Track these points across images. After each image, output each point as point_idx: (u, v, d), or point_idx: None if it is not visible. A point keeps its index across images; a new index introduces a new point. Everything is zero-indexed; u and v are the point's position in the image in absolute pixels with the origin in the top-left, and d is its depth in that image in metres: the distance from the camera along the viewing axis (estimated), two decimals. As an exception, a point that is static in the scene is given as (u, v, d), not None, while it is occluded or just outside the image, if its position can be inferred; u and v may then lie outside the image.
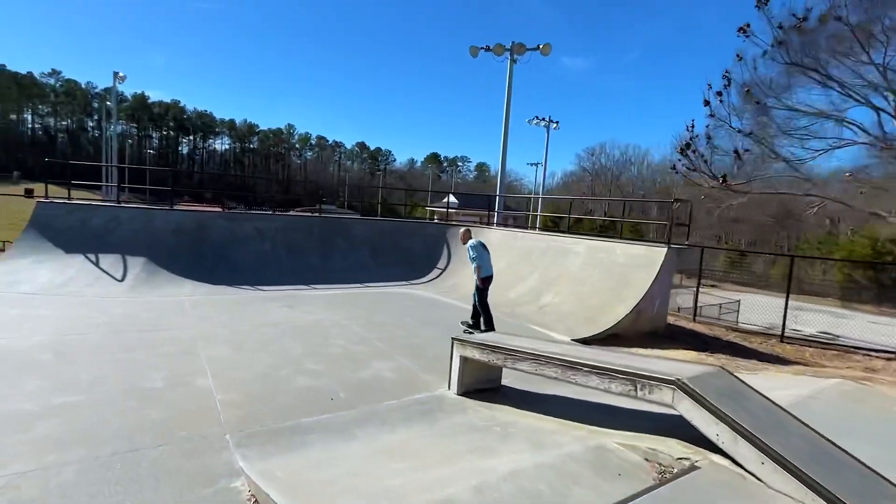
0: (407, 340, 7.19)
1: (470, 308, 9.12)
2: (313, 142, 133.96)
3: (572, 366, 3.90)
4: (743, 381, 3.40)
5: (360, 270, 12.36)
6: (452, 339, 5.22)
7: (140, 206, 12.79)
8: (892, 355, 10.22)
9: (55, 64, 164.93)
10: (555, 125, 40.74)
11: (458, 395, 5.10)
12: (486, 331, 7.52)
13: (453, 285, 12.17)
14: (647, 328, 9.18)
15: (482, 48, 21.56)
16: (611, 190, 75.91)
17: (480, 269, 8.02)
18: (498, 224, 18.88)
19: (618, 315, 8.71)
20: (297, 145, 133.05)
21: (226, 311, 8.26)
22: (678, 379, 3.16)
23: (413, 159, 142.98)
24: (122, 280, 9.58)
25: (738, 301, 21.85)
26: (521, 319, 9.10)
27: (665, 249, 9.28)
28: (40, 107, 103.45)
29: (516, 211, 41.58)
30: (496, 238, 13.27)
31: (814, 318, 18.76)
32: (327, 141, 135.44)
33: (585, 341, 7.99)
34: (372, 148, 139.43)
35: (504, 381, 5.40)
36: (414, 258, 13.40)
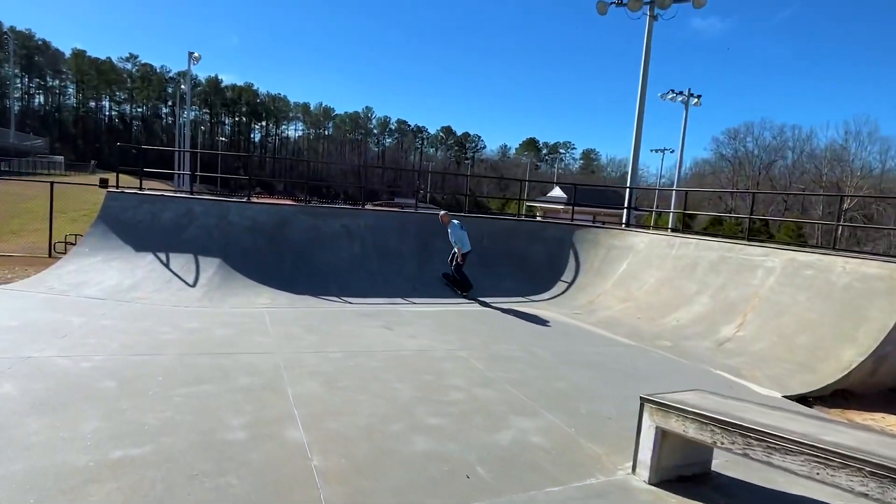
0: (547, 385, 6.21)
1: (615, 336, 8.52)
2: (393, 126, 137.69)
3: (905, 480, 2.65)
4: None
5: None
6: (644, 399, 4.15)
7: (213, 197, 13.00)
8: None
9: (132, 48, 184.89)
10: (695, 100, 37.77)
11: (650, 484, 4.04)
12: (463, 290, 11.01)
13: (587, 305, 11.03)
14: (891, 382, 7.41)
15: (612, 2, 20.09)
16: (759, 182, 69.77)
17: (462, 247, 10.80)
18: (632, 224, 17.32)
19: (846, 362, 7.07)
20: (374, 130, 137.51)
21: (312, 330, 7.80)
22: None
23: (506, 146, 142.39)
24: (193, 285, 9.54)
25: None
26: (694, 359, 7.76)
27: (920, 268, 7.45)
28: (117, 93, 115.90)
29: (641, 208, 39.15)
30: (642, 244, 11.94)
31: None
32: (408, 125, 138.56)
33: (804, 400, 6.51)
34: (459, 133, 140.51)
35: (714, 464, 4.28)
36: (533, 268, 12.49)
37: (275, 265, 10.66)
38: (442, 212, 11.81)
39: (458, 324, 8.99)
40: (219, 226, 11.00)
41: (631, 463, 4.25)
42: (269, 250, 10.94)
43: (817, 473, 3.04)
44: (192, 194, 12.53)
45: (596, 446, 4.70)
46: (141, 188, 12.11)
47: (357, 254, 11.53)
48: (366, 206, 14.55)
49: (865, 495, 2.86)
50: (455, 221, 11.14)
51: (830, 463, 2.97)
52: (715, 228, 42.65)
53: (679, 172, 40.76)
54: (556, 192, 49.58)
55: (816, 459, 3.05)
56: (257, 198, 21.74)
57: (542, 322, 9.63)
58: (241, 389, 5.31)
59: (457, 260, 10.86)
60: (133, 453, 3.93)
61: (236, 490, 3.57)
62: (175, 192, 19.50)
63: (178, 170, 37.27)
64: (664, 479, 4.06)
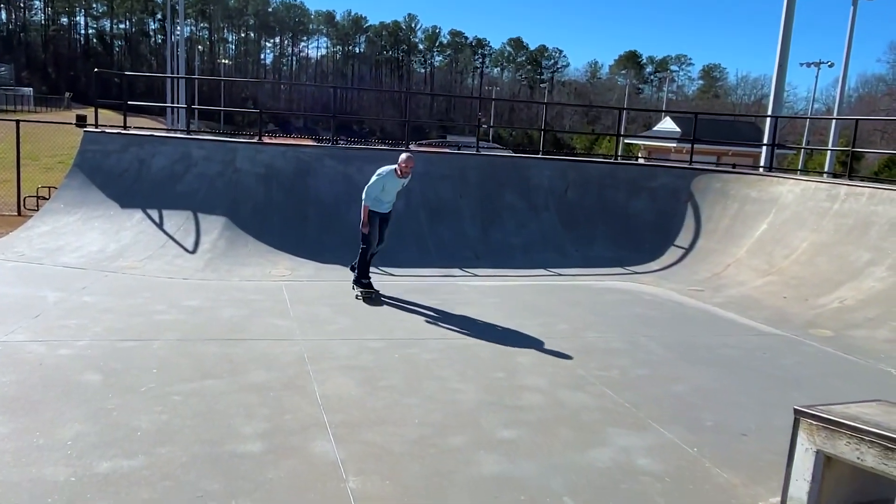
0: (659, 388, 6.08)
1: (752, 323, 8.68)
2: (445, 40, 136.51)
3: None
4: None
5: (545, 247, 11.65)
6: (798, 412, 3.95)
7: (216, 137, 13.27)
8: None
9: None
10: (868, -8, 35.30)
11: (808, 529, 3.85)
12: (363, 288, 8.77)
13: (711, 279, 10.76)
14: None
15: None
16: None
17: (369, 205, 8.67)
18: (774, 168, 16.57)
19: None
20: (420, 46, 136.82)
21: (344, 311, 7.94)
22: None
23: (596, 63, 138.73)
24: (193, 251, 9.83)
25: None
26: (867, 356, 7.40)
27: None
28: (94, 4, 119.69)
29: (787, 146, 37.47)
30: (791, 195, 11.48)
31: None
32: (465, 38, 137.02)
33: None
34: (532, 47, 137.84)
35: None
36: (635, 229, 12.29)
37: (296, 226, 10.82)
38: (406, 154, 8.78)
39: (536, 303, 8.94)
40: (223, 174, 11.23)
41: (779, 499, 4.09)
42: (287, 206, 11.12)
43: None
44: (188, 134, 12.81)
45: (728, 473, 4.55)
46: (126, 127, 12.47)
47: (400, 210, 11.49)
48: (410, 147, 14.51)
49: None
50: (389, 167, 8.58)
51: None
52: (891, 172, 40.44)
53: (841, 94, 38.47)
54: (667, 124, 47.99)
55: None
56: (270, 137, 22.15)
57: (649, 303, 9.44)
58: (255, 387, 5.44)
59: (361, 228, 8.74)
60: (123, 466, 4.07)
61: (252, 520, 3.64)
62: (168, 131, 20.04)
63: (172, 102, 38.37)
64: (829, 523, 3.88)
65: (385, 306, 8.28)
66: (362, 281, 8.62)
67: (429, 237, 11.14)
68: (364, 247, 8.57)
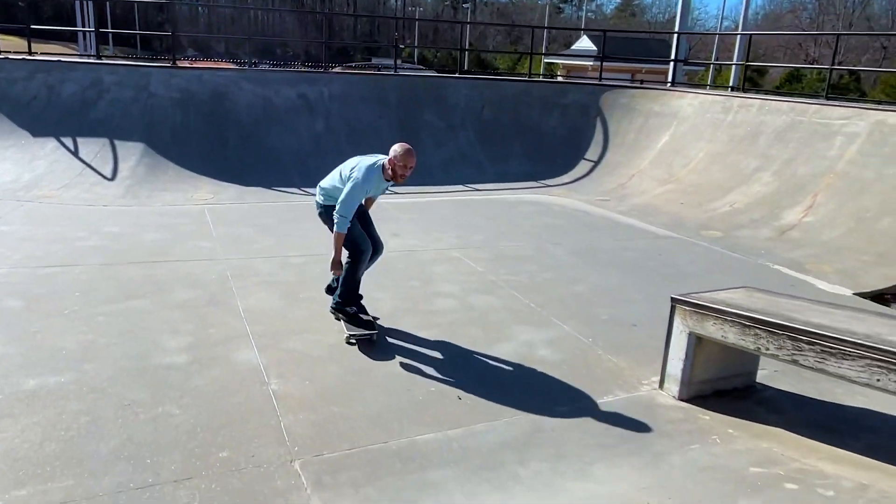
0: (563, 289, 6.40)
1: (652, 227, 8.76)
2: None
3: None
4: None
5: (463, 164, 11.68)
6: (674, 300, 4.29)
7: (129, 62, 12.64)
8: None
9: None
10: None
11: (680, 399, 4.27)
12: (354, 322, 5.06)
13: (617, 189, 11.12)
14: None
15: None
16: (851, 24, 67.39)
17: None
18: (678, 84, 16.97)
19: (938, 250, 7.23)
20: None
21: (267, 231, 7.92)
22: None
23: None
24: (112, 179, 9.54)
25: None
26: (749, 252, 7.93)
27: None
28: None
29: (698, 62, 38.10)
30: (690, 108, 11.82)
31: None
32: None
33: (881, 298, 6.72)
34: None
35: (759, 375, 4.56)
36: (548, 145, 12.44)
37: (216, 150, 10.57)
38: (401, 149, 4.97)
39: (453, 218, 9.08)
40: (138, 100, 10.78)
41: (658, 377, 4.47)
42: (206, 131, 10.80)
43: (878, 380, 3.21)
44: (99, 59, 12.15)
45: (618, 359, 4.91)
46: (31, 53, 11.73)
47: (321, 132, 11.37)
48: (335, 70, 14.18)
49: (933, 403, 3.02)
50: (370, 163, 5.04)
51: (892, 364, 3.12)
52: (792, 87, 41.73)
53: (745, 12, 39.14)
54: (584, 42, 47.71)
55: (879, 364, 3.20)
56: (192, 62, 21.12)
57: (559, 213, 9.72)
58: (179, 305, 5.46)
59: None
60: (50, 382, 4.11)
61: (178, 421, 3.77)
62: (79, 56, 18.90)
63: (82, 27, 35.83)
64: (698, 394, 4.29)
65: (308, 225, 8.25)
66: (347, 310, 5.12)
67: (350, 156, 11.03)
68: (350, 261, 5.07)
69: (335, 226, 4.81)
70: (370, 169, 4.87)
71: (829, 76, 13.63)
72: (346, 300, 5.09)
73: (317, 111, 11.48)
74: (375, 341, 4.92)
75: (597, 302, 6.09)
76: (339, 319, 5.12)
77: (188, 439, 3.60)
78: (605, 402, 4.28)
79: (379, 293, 5.99)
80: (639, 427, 3.96)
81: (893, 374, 3.15)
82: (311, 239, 7.65)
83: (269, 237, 7.65)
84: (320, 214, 5.20)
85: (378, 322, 5.32)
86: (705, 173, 10.46)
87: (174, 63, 11.86)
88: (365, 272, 5.24)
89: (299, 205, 9.26)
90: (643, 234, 8.68)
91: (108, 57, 16.58)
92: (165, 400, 3.99)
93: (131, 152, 10.03)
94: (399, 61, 16.26)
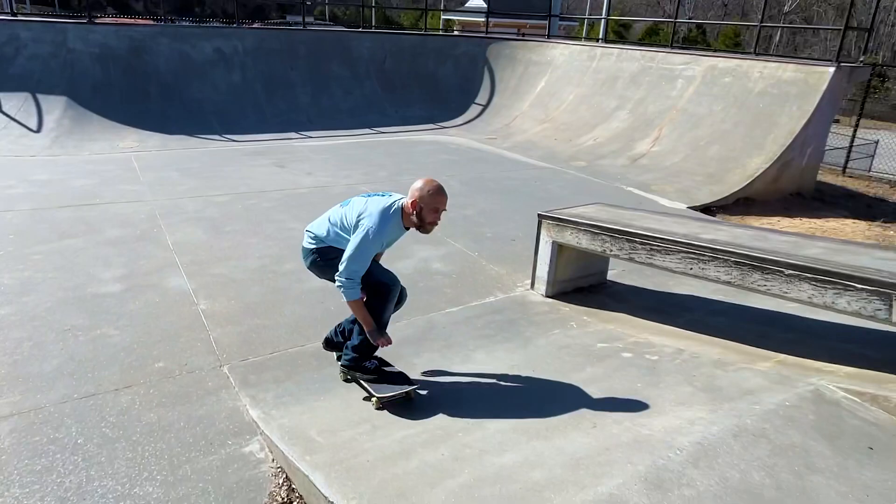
0: (455, 213, 6.49)
1: (530, 160, 8.39)
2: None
3: (763, 265, 3.16)
4: None
5: (369, 110, 11.42)
6: (540, 216, 4.51)
7: (43, 19, 11.50)
8: None
9: None
10: None
11: (547, 296, 4.54)
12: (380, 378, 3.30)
13: (503, 129, 11.23)
14: (791, 188, 8.32)
15: None
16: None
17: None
18: (554, 37, 17.08)
19: (752, 170, 7.83)
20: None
21: (191, 174, 7.58)
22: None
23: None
24: (38, 131, 8.83)
25: (876, 142, 20.35)
26: (608, 177, 8.29)
27: (832, 70, 7.99)
28: None
29: (572, 17, 38.30)
30: (562, 57, 11.96)
31: None
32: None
33: (708, 209, 7.24)
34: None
35: (610, 274, 4.86)
36: (443, 91, 12.30)
37: (138, 102, 9.91)
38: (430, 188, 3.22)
39: (361, 157, 8.96)
40: (57, 55, 9.88)
41: (530, 280, 4.72)
42: (128, 84, 10.07)
43: (691, 268, 3.54)
44: (14, 16, 10.98)
45: (498, 267, 5.13)
46: (-58, 10, 10.48)
47: (238, 84, 10.85)
48: (248, 25, 13.39)
49: (729, 283, 3.39)
50: (386, 206, 3.22)
51: (702, 257, 3.45)
52: (651, 39, 42.71)
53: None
54: (476, 1, 46.99)
55: (690, 256, 3.52)
56: (111, 19, 19.35)
57: (454, 150, 9.76)
58: (111, 242, 5.24)
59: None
60: (-10, 315, 3.93)
61: (115, 340, 3.71)
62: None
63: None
64: (561, 292, 4.57)
65: (229, 167, 8.00)
66: (366, 365, 3.34)
67: (266, 106, 10.63)
68: (377, 301, 3.29)
69: (343, 294, 3.11)
70: (385, 216, 3.13)
71: (674, 28, 14.05)
72: (364, 352, 3.29)
73: (233, 64, 10.90)
74: (414, 397, 3.21)
75: (483, 223, 6.27)
76: (352, 380, 3.36)
77: (126, 355, 3.56)
78: (487, 302, 4.50)
79: (295, 224, 5.92)
80: (513, 320, 4.20)
81: (702, 264, 3.48)
82: (234, 180, 7.44)
83: (194, 180, 7.35)
84: (313, 263, 3.33)
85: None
86: (574, 113, 10.74)
87: (90, 20, 10.89)
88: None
89: (221, 150, 8.94)
90: (523, 166, 8.89)
91: (24, 14, 14.97)
92: (103, 323, 3.91)
93: (55, 105, 9.28)
94: (311, 19, 15.57)
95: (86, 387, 3.24)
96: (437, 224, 3.19)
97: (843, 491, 2.21)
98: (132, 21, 17.06)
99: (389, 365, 3.38)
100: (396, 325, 4.07)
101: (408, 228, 3.25)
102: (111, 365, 3.45)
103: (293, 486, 2.65)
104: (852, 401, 2.74)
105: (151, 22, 15.89)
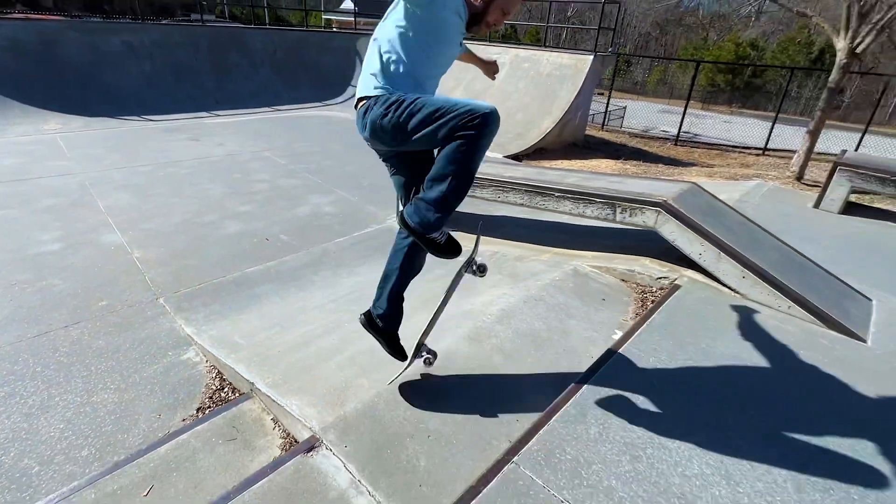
0: (340, 170, 6.30)
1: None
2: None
3: (541, 191, 3.42)
4: (716, 198, 3.16)
5: (266, 92, 10.39)
6: (398, 167, 4.47)
7: (-54, 14, 9.05)
8: (759, 152, 11.12)
9: None
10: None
11: (408, 225, 4.59)
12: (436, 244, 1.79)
13: (372, 105, 10.77)
14: (569, 140, 8.90)
15: None
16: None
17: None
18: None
19: (544, 129, 8.24)
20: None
21: (115, 149, 6.58)
22: (664, 200, 2.81)
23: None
24: (-43, 117, 7.14)
25: (625, 107, 22.29)
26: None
27: (591, 58, 8.48)
28: None
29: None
30: (413, 49, 11.50)
31: (678, 119, 19.83)
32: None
33: (516, 157, 7.59)
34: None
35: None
36: (325, 76, 11.45)
37: (58, 88, 8.26)
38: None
39: (262, 130, 8.24)
40: (-35, 48, 7.92)
41: (395, 214, 4.75)
42: (44, 73, 8.32)
43: (498, 197, 3.74)
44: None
45: (374, 207, 5.08)
46: None
47: (149, 72, 9.38)
48: (150, 21, 11.44)
49: (523, 204, 3.63)
50: None
51: (505, 188, 3.66)
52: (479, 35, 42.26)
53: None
54: (347, 3, 43.56)
55: (499, 187, 3.72)
56: (21, 14, 15.63)
57: (337, 122, 9.29)
58: (46, 210, 4.50)
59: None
60: (-66, 280, 3.29)
61: (61, 288, 3.29)
62: None
63: None
64: (417, 221, 4.65)
65: (149, 143, 7.05)
66: (437, 238, 1.70)
67: (177, 90, 9.30)
68: (459, 144, 1.54)
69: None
70: None
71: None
72: (448, 210, 1.69)
73: (142, 55, 9.33)
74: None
75: (362, 176, 6.12)
76: (423, 244, 1.78)
77: (72, 299, 3.18)
78: (366, 232, 4.47)
79: (210, 185, 5.44)
80: (385, 243, 4.18)
81: (505, 193, 3.70)
82: (155, 153, 6.59)
83: (118, 154, 6.40)
84: (372, 126, 1.78)
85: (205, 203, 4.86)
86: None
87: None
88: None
89: (140, 128, 7.82)
90: (389, 132, 8.69)
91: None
92: (47, 276, 3.42)
93: (-29, 94, 7.53)
94: (213, 17, 13.64)
95: (38, 328, 2.87)
96: (496, 27, 1.81)
97: (587, 326, 2.56)
98: (40, 16, 13.95)
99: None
100: (297, 254, 3.97)
101: (466, 13, 1.76)
102: (59, 308, 3.07)
103: (224, 377, 2.59)
104: (595, 272, 3.12)
105: (59, 18, 13.08)
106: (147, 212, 4.62)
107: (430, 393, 2.09)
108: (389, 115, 1.68)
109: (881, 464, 1.80)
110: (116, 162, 6.07)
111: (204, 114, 8.94)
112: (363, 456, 1.76)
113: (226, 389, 2.51)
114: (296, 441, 2.00)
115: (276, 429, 2.15)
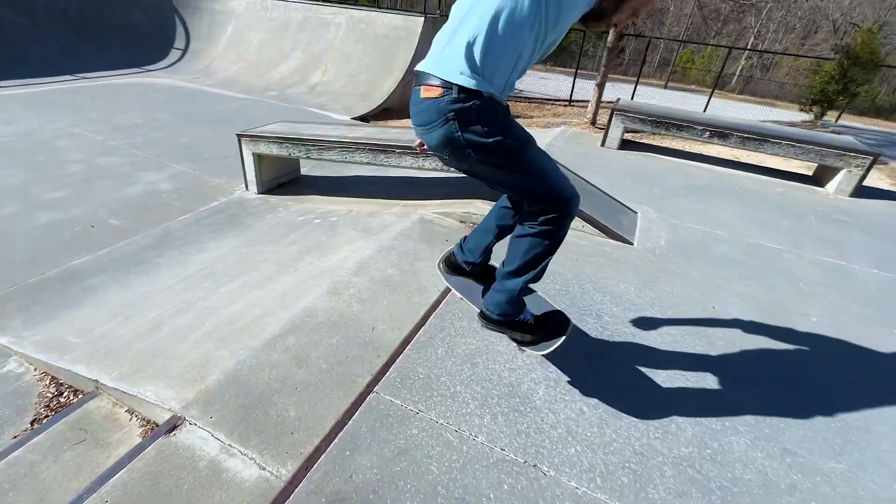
0: (173, 142, 5.43)
1: (233, 94, 7.26)
2: None
3: (383, 149, 3.41)
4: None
5: (65, 57, 8.29)
6: (238, 135, 4.05)
7: None
8: (566, 102, 12.45)
9: None
10: None
11: (259, 193, 4.24)
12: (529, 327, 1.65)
13: (204, 69, 9.34)
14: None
15: None
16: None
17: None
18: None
19: (387, 90, 8.08)
20: None
21: None
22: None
23: None
24: None
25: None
26: (296, 102, 7.73)
27: (422, 19, 8.40)
28: None
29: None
30: (241, 7, 10.15)
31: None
32: None
33: (364, 118, 7.36)
34: None
35: (302, 170, 4.70)
36: (141, 38, 9.50)
37: None
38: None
39: (65, 102, 6.60)
40: None
41: (243, 184, 4.33)
42: None
43: (345, 157, 3.63)
44: None
45: (218, 179, 4.53)
46: None
47: None
48: None
49: (368, 163, 3.59)
50: None
51: (350, 148, 3.56)
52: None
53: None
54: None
55: (344, 148, 3.61)
56: None
57: (161, 90, 7.84)
58: None
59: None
60: None
61: None
62: None
63: None
64: (268, 189, 4.30)
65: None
66: (526, 319, 1.59)
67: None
68: (547, 223, 1.41)
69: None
70: None
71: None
72: (526, 290, 1.53)
73: None
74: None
75: (199, 147, 5.36)
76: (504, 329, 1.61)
77: None
78: (213, 206, 4.00)
79: (3, 171, 4.28)
80: (235, 214, 3.84)
81: (350, 153, 3.60)
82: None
83: None
84: (444, 139, 1.26)
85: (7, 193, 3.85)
86: (261, 54, 9.45)
87: None
88: None
89: None
90: (227, 98, 7.67)
91: None
92: None
93: None
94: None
95: None
96: (621, 26, 1.37)
97: (432, 265, 2.71)
98: None
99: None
100: (134, 237, 3.42)
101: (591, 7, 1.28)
102: None
103: (61, 381, 2.19)
104: (438, 217, 3.28)
105: None
106: (-89, 211, 3.48)
107: (294, 350, 2.05)
108: (473, 137, 1.19)
109: (637, 324, 2.32)
110: None
111: (-24, 85, 6.80)
112: (231, 421, 1.68)
113: (65, 394, 2.14)
114: (156, 426, 1.82)
115: (134, 419, 1.92)
